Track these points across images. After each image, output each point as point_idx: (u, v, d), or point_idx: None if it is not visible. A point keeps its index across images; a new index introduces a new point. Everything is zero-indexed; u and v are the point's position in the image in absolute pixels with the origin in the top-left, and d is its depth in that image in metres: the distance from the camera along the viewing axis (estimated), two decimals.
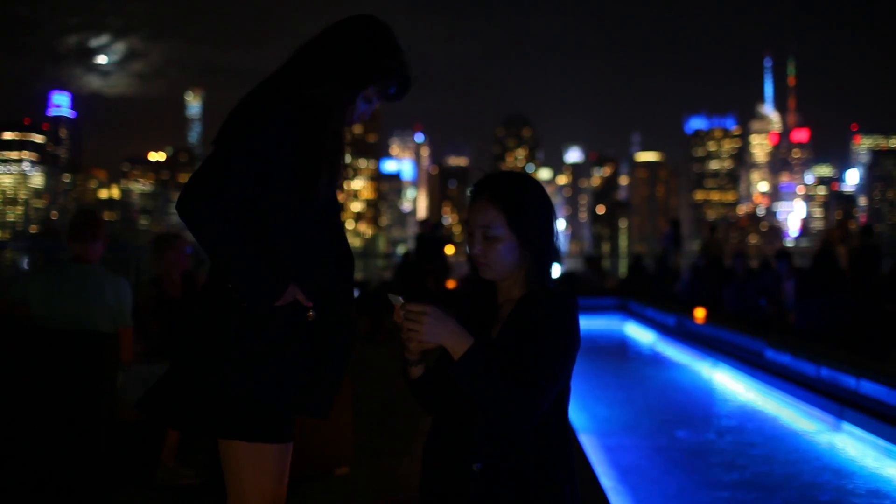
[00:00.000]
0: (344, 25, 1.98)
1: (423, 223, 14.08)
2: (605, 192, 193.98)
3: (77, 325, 3.54)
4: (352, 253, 2.01)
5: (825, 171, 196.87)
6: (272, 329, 1.85)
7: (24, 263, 9.44)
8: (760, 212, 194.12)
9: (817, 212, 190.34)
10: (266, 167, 1.83)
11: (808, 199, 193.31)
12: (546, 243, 1.86)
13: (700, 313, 10.30)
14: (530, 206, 1.84)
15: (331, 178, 1.91)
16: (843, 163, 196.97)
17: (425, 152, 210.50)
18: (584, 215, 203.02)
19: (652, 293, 14.80)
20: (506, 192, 1.84)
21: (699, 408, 7.19)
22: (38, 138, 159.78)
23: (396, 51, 1.98)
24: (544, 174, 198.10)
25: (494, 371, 1.69)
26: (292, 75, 1.93)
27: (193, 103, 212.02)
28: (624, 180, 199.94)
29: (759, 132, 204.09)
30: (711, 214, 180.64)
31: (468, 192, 1.92)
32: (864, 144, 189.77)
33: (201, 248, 1.86)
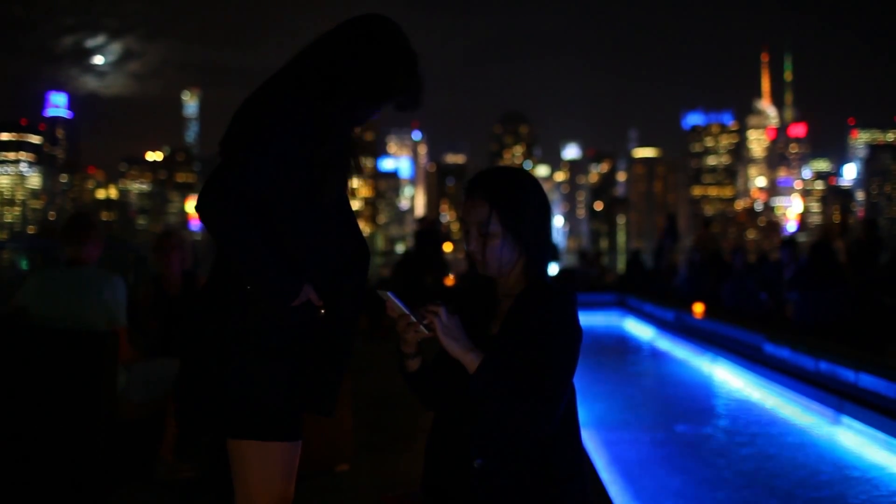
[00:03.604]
0: (358, 28, 1.91)
1: (420, 220, 14.10)
2: (603, 188, 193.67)
3: (72, 327, 3.52)
4: (368, 247, 2.01)
5: (823, 165, 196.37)
6: (284, 328, 1.84)
7: (23, 264, 9.43)
8: (758, 207, 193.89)
9: (815, 206, 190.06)
10: (281, 167, 1.82)
11: (806, 193, 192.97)
12: (541, 238, 1.86)
13: (699, 308, 10.31)
14: (524, 202, 1.83)
15: (342, 179, 1.92)
16: (840, 157, 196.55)
17: (423, 150, 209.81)
18: (581, 212, 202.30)
19: (650, 288, 14.83)
20: (499, 188, 1.84)
21: (698, 402, 7.19)
22: (34, 139, 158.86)
23: (413, 64, 1.93)
24: (542, 171, 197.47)
25: (509, 383, 1.69)
26: (306, 79, 1.89)
27: (190, 103, 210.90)
28: (621, 176, 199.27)
29: (756, 127, 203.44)
30: (709, 210, 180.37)
31: (464, 189, 1.92)
32: (861, 139, 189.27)
33: (218, 247, 1.85)
